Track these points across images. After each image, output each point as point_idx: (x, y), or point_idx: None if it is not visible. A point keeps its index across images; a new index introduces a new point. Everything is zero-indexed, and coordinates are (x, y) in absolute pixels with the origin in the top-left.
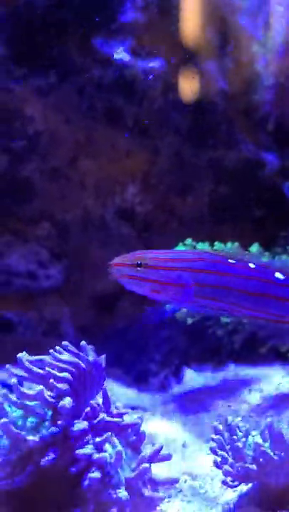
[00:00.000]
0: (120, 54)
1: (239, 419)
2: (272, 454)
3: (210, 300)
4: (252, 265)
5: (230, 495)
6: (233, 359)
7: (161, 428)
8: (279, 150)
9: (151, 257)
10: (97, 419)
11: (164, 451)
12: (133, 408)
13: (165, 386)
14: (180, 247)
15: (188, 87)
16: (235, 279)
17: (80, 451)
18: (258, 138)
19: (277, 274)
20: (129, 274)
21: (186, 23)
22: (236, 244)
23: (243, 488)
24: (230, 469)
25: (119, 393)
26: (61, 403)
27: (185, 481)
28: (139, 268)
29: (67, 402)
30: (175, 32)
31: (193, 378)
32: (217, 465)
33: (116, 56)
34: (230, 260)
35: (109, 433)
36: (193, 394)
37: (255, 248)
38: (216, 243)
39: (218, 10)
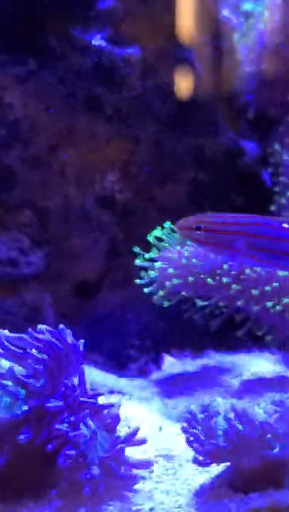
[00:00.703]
0: (98, 41)
1: (219, 399)
2: (243, 433)
3: (261, 262)
4: None
5: (203, 476)
6: (212, 345)
7: (139, 412)
8: (259, 138)
9: (209, 220)
10: (72, 398)
11: (139, 434)
12: (111, 392)
13: (145, 372)
14: (158, 232)
15: (167, 74)
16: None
17: (57, 427)
18: (238, 126)
19: None
20: (191, 236)
21: (166, 10)
22: None
23: (216, 469)
24: (201, 447)
25: (99, 378)
26: (33, 382)
27: (157, 462)
28: (198, 232)
29: (40, 381)
30: (154, 19)
31: (172, 364)
32: (189, 443)
33: (94, 43)
34: (284, 225)
35: (86, 411)
36: (172, 379)
37: None
38: None
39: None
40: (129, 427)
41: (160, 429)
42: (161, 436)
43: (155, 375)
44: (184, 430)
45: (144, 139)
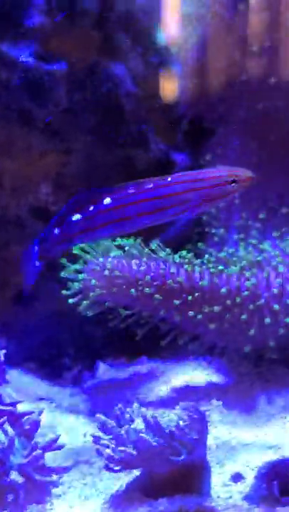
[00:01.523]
0: (26, 57)
1: (133, 407)
2: (151, 440)
3: None
4: None
5: (119, 482)
6: (146, 353)
7: (65, 419)
8: (193, 149)
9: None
10: None
11: (60, 440)
12: (40, 399)
13: (79, 380)
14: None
15: (96, 89)
16: None
17: None
18: (171, 138)
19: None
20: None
21: (94, 26)
22: (138, 240)
23: (130, 475)
24: (112, 454)
25: (32, 386)
26: None
27: (73, 466)
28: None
29: None
30: (82, 35)
31: (106, 372)
32: (99, 452)
33: (22, 59)
34: None
35: (4, 418)
36: (104, 387)
37: (154, 245)
38: (118, 239)
39: (129, 14)
40: (55, 434)
41: (84, 435)
42: (85, 442)
43: (88, 383)
44: (95, 439)
45: (77, 151)
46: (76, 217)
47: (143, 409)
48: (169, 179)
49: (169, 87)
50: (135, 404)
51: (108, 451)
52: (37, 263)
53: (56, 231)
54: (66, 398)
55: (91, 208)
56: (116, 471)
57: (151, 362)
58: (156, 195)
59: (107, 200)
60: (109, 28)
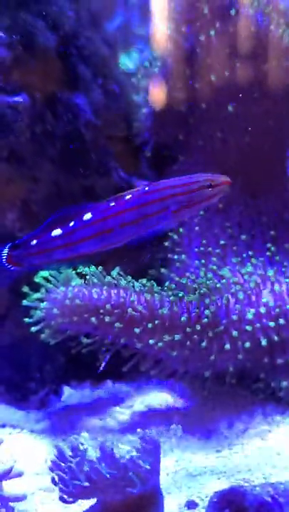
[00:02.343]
0: None
1: (85, 435)
2: (104, 471)
3: None
4: None
5: (75, 510)
6: (111, 377)
7: (28, 445)
8: (155, 177)
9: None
10: None
11: (19, 467)
12: (3, 426)
13: (45, 403)
14: (45, 273)
15: (57, 119)
16: None
17: None
18: (133, 165)
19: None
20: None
21: (55, 58)
22: (100, 268)
23: (84, 504)
24: (65, 487)
25: None
26: None
27: (32, 493)
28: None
29: None
30: (43, 67)
31: (71, 396)
32: (54, 482)
33: None
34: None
35: None
36: (68, 411)
37: (115, 272)
38: (80, 267)
39: (91, 45)
40: (15, 461)
41: (46, 461)
42: (46, 469)
43: (53, 407)
44: (50, 470)
45: (42, 179)
46: (56, 232)
47: (99, 439)
48: (147, 188)
49: (131, 116)
50: (84, 434)
51: (61, 485)
52: (8, 265)
53: (33, 242)
54: (31, 423)
55: (71, 224)
56: (69, 503)
57: (115, 385)
58: (136, 204)
59: (88, 216)
60: (69, 59)
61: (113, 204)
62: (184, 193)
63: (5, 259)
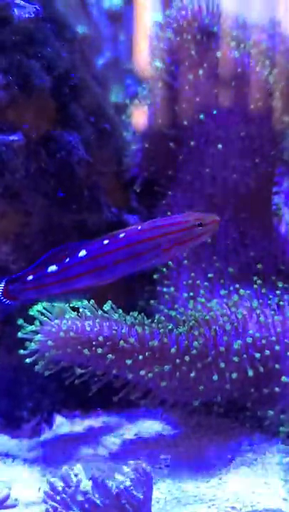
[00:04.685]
0: None
1: (79, 466)
2: (98, 501)
3: None
4: None
5: None
6: (101, 405)
7: (21, 474)
8: (144, 211)
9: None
10: None
11: (14, 497)
12: None
13: (37, 432)
14: (40, 305)
15: (51, 157)
16: None
17: None
18: (124, 200)
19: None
20: None
21: (49, 97)
22: (92, 301)
23: None
24: None
25: None
26: None
27: None
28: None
29: None
30: (37, 106)
31: (62, 424)
32: None
33: None
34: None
35: None
36: (60, 440)
37: (108, 306)
38: (72, 302)
39: (83, 85)
40: (10, 489)
41: (39, 490)
42: (39, 498)
43: (45, 435)
44: (44, 501)
45: (35, 214)
46: (52, 268)
47: (92, 471)
48: (139, 227)
49: (121, 152)
50: (78, 466)
51: None
52: (3, 299)
53: (30, 277)
54: (23, 451)
55: (67, 260)
56: None
57: (106, 414)
58: (129, 242)
59: (83, 253)
60: (63, 99)
61: (107, 242)
62: (175, 231)
63: (1, 293)
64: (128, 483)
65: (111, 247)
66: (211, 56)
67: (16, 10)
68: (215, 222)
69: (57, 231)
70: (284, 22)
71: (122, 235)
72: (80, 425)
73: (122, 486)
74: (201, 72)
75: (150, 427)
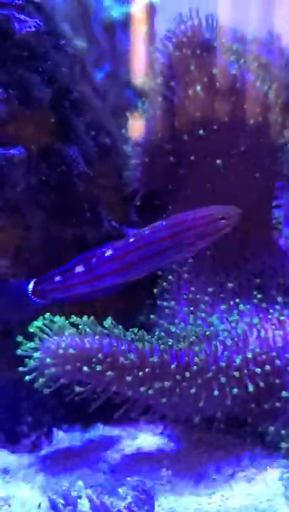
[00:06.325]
0: None
1: (80, 483)
2: None
3: None
4: None
5: None
6: (101, 419)
7: (20, 489)
8: (145, 225)
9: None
10: None
11: None
12: None
13: (37, 446)
14: (39, 322)
15: (51, 171)
16: None
17: None
18: (124, 213)
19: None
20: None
21: (49, 111)
22: (92, 317)
23: None
24: None
25: None
26: None
27: None
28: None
29: None
30: (37, 120)
31: (62, 439)
32: None
33: None
34: None
35: None
36: (60, 455)
37: (108, 322)
38: (72, 317)
39: (84, 99)
40: (10, 505)
41: (39, 505)
42: None
43: (45, 450)
44: None
45: (35, 227)
46: (79, 268)
47: (88, 491)
48: (164, 223)
49: (121, 166)
50: (79, 483)
51: None
52: (35, 299)
53: (58, 278)
54: (22, 467)
55: (93, 260)
56: None
57: (106, 428)
58: (154, 239)
59: (109, 252)
60: (63, 113)
61: (132, 240)
62: (198, 226)
63: (31, 292)
64: (129, 501)
65: (136, 244)
66: (210, 71)
67: (16, 24)
68: (236, 214)
69: (57, 245)
70: (283, 36)
71: (147, 232)
72: (80, 440)
73: (124, 504)
74: (200, 86)
75: (151, 442)
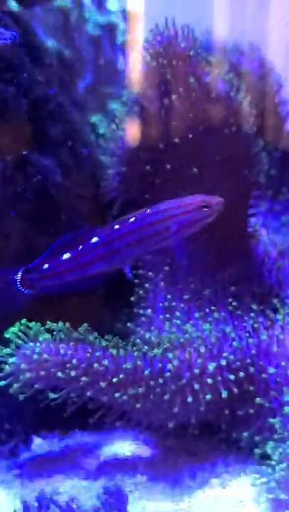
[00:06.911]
0: None
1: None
2: None
3: None
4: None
5: None
6: (79, 426)
7: None
8: None
9: None
10: None
11: None
12: None
13: (14, 453)
14: (15, 328)
15: (27, 181)
16: None
17: None
18: (101, 223)
19: None
20: None
21: (25, 122)
22: (67, 324)
23: None
24: None
25: None
26: None
27: None
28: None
29: None
30: (13, 131)
31: (40, 446)
32: None
33: None
34: None
35: None
36: (38, 461)
37: (83, 329)
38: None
39: (61, 110)
40: None
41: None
42: None
43: (23, 456)
44: None
45: (14, 236)
46: (66, 255)
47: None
48: (148, 210)
49: (98, 176)
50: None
51: None
52: (23, 289)
53: (45, 266)
54: (1, 472)
55: (80, 247)
56: None
57: (83, 435)
58: (139, 226)
59: (95, 239)
60: (40, 123)
61: (118, 227)
62: (183, 213)
63: (19, 282)
64: (97, 506)
65: (121, 231)
66: (186, 80)
67: None
68: (220, 203)
69: (34, 254)
70: (263, 47)
71: (132, 219)
72: (57, 446)
73: (89, 509)
74: (176, 96)
75: (127, 447)
